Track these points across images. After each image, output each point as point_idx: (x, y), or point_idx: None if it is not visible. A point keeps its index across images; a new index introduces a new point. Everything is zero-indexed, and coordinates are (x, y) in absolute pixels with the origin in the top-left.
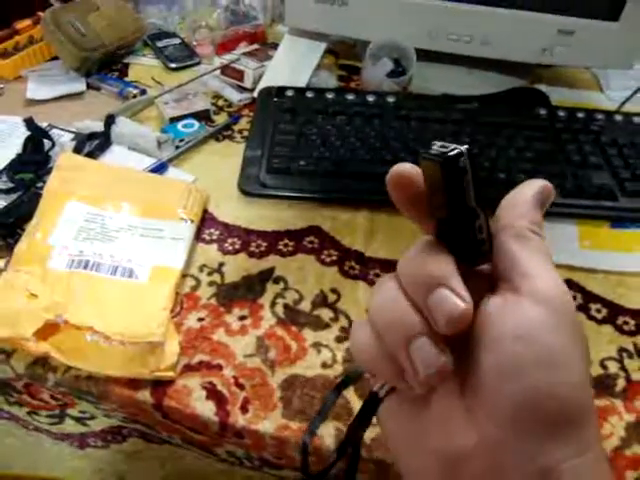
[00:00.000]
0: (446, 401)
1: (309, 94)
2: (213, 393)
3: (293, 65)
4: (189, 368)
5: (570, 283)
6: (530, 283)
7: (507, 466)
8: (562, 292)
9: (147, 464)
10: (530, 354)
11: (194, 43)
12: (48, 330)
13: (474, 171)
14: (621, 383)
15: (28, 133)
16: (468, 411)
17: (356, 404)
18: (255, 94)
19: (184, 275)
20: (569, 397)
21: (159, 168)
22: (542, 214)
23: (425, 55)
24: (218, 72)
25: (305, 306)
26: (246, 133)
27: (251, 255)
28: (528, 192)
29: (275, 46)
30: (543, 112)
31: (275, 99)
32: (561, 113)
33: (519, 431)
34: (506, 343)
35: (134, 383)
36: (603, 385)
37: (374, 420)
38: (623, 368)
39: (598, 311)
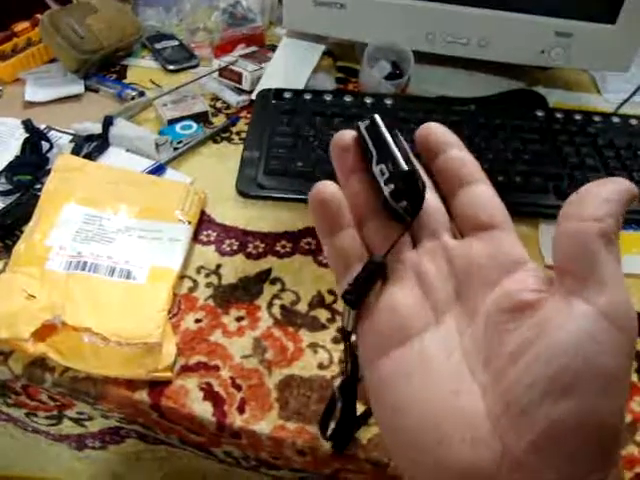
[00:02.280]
0: (472, 403)
1: (307, 96)
2: (210, 394)
3: (291, 67)
4: (186, 369)
5: None
6: (605, 297)
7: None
8: (632, 311)
9: (145, 465)
10: (588, 375)
11: (192, 45)
12: (46, 331)
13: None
14: None
15: (26, 135)
16: (491, 418)
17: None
18: (253, 96)
19: (182, 276)
20: (614, 425)
21: (157, 170)
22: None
23: (423, 57)
24: (216, 74)
25: (302, 307)
26: (244, 135)
27: (248, 256)
28: (616, 187)
29: (273, 48)
30: (540, 114)
31: (273, 101)
32: (558, 115)
33: (555, 453)
34: (565, 357)
35: (132, 384)
36: None
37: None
38: None
39: None
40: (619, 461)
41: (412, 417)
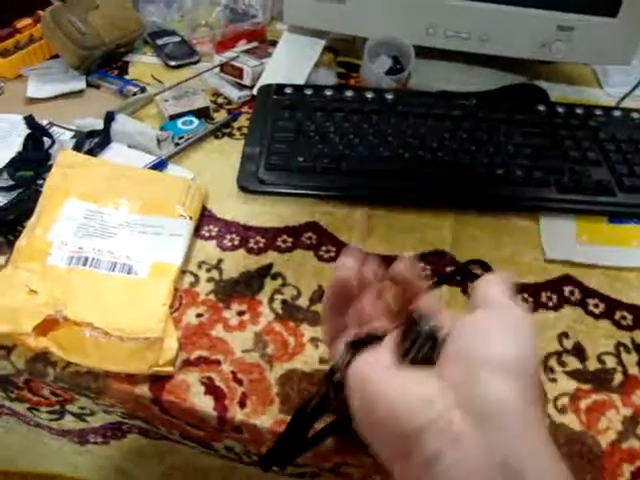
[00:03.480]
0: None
1: (308, 91)
2: (211, 388)
3: (292, 63)
4: (188, 363)
5: (568, 278)
6: (487, 303)
7: (470, 396)
8: (508, 304)
9: (147, 460)
10: (482, 333)
11: (193, 41)
12: (48, 326)
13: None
14: (618, 377)
15: (28, 131)
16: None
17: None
18: (254, 91)
19: (183, 271)
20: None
21: (159, 165)
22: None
23: (423, 52)
24: (217, 70)
25: (303, 302)
26: (245, 130)
27: (250, 251)
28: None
29: (274, 44)
30: (542, 108)
31: (274, 96)
32: (560, 109)
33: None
34: (468, 332)
35: (133, 378)
36: (600, 379)
37: None
38: (620, 362)
39: (596, 306)
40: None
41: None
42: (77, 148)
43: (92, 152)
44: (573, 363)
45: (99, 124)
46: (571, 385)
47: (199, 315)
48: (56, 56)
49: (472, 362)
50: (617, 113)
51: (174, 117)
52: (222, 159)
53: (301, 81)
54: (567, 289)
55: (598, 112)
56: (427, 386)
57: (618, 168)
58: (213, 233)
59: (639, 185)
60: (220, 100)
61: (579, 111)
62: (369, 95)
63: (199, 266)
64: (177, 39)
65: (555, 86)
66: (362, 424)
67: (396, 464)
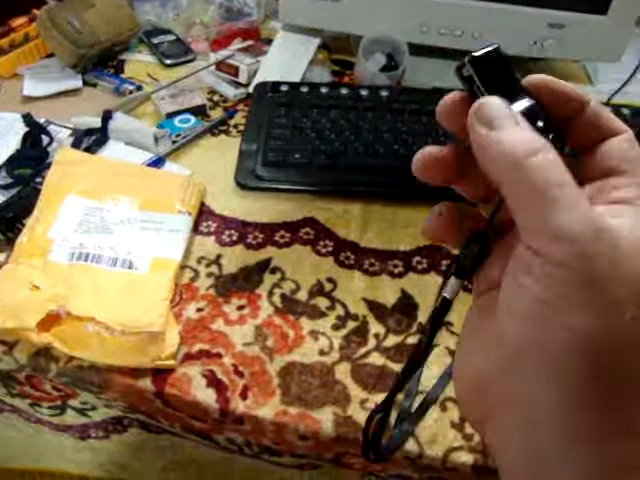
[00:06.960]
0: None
1: (303, 89)
2: (213, 381)
3: (287, 60)
4: (189, 357)
5: None
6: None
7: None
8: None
9: (147, 454)
10: None
11: (189, 39)
12: (50, 321)
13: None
14: None
15: (26, 129)
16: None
17: (354, 390)
18: (250, 89)
19: (183, 267)
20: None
21: (156, 162)
22: None
23: (417, 49)
24: (213, 68)
25: (302, 295)
26: (241, 128)
27: (248, 246)
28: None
29: (269, 42)
30: None
31: (270, 94)
32: None
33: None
34: None
35: (135, 372)
36: None
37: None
38: None
39: None
40: None
41: None
42: (75, 146)
43: (90, 150)
44: None
45: (96, 122)
46: None
47: (199, 309)
48: (52, 55)
49: None
50: (608, 109)
51: (171, 115)
52: (219, 156)
53: (296, 79)
54: None
55: None
56: None
57: None
58: (212, 229)
59: None
60: (216, 98)
61: None
62: (364, 92)
63: (198, 261)
64: (172, 37)
65: None
66: None
67: None
